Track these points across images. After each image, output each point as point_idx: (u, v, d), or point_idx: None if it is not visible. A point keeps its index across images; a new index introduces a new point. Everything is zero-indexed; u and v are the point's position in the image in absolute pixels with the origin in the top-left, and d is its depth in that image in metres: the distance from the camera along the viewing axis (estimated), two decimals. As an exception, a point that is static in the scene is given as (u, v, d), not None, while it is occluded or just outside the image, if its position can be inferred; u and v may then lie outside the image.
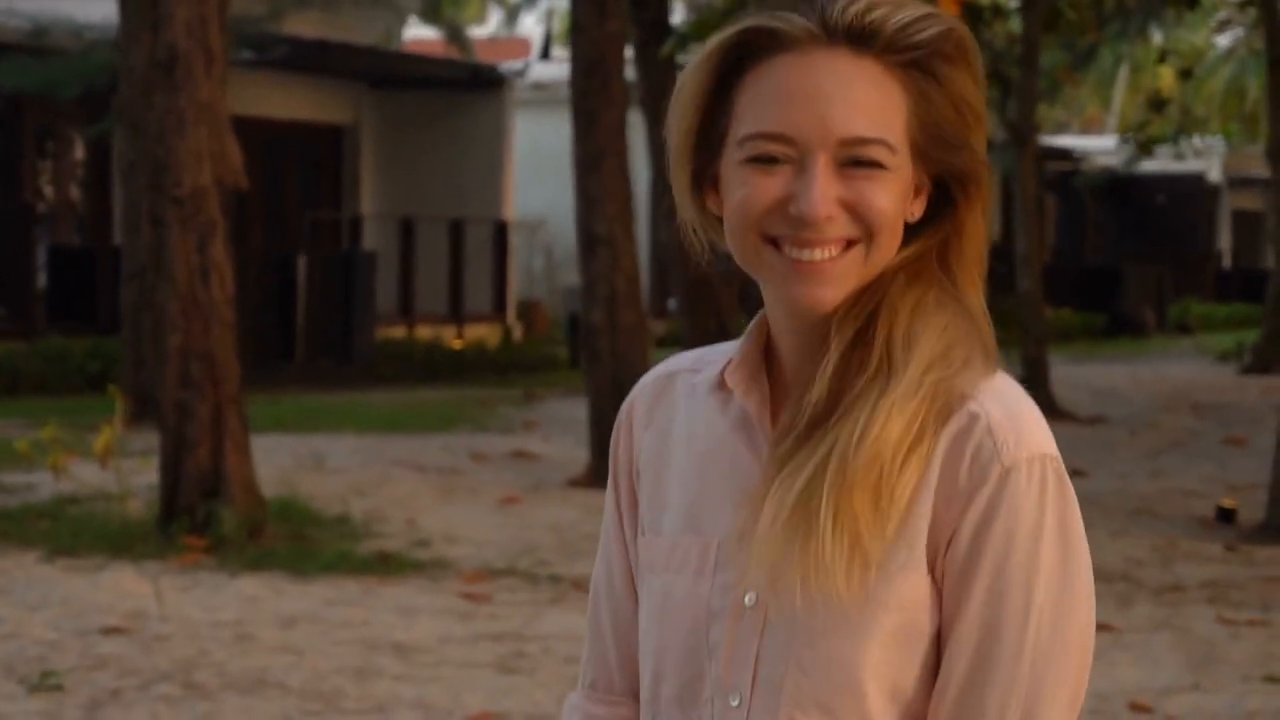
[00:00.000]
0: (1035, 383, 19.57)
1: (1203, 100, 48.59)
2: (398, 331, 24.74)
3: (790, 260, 1.86)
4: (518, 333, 27.27)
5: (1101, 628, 8.71)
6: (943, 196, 1.93)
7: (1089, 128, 54.33)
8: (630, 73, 22.57)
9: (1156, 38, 39.57)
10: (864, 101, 1.85)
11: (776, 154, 1.85)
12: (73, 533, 10.61)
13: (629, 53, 16.87)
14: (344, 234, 25.58)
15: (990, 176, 1.95)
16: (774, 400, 1.95)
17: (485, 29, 51.15)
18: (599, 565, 2.10)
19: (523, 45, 50.81)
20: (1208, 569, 10.51)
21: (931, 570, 1.83)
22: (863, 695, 1.83)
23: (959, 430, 1.83)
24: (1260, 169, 36.00)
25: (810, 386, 1.87)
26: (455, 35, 44.94)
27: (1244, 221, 47.81)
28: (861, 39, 1.86)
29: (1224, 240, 46.61)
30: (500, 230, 26.71)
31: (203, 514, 10.42)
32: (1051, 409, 19.52)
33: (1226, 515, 12.69)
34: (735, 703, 1.88)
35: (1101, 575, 10.20)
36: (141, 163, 14.30)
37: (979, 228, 1.93)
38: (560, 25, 49.91)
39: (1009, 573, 1.82)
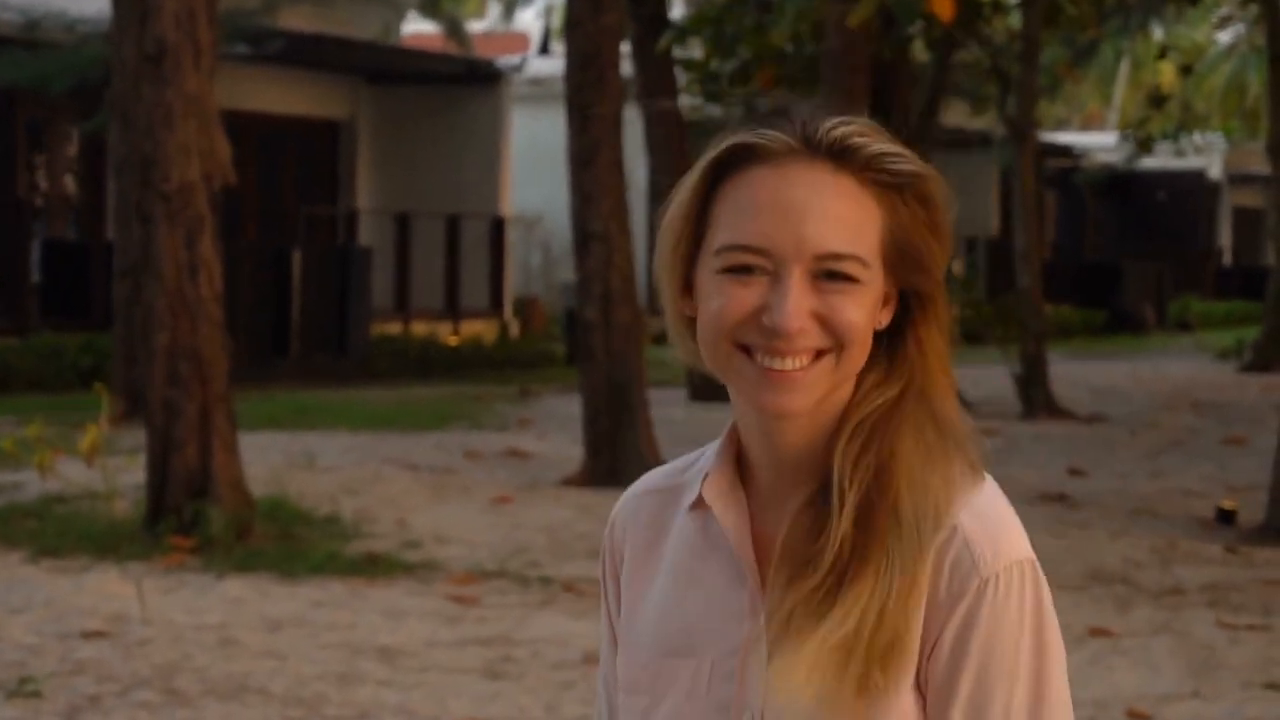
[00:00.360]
0: (1034, 380, 19.44)
1: (1203, 97, 48.46)
2: (393, 328, 24.60)
3: (762, 369, 1.90)
4: (514, 329, 27.13)
5: (1099, 632, 8.58)
6: (903, 307, 1.99)
7: (1090, 124, 54.20)
8: (627, 67, 22.45)
9: (1157, 34, 39.45)
10: (840, 216, 1.90)
11: (752, 264, 1.89)
12: (58, 533, 10.48)
13: (626, 47, 16.75)
14: (340, 229, 25.44)
15: (946, 298, 1.99)
16: (751, 510, 1.99)
17: (484, 24, 51.00)
18: (604, 671, 2.14)
19: (521, 40, 50.65)
20: (1207, 571, 10.38)
21: (916, 681, 1.90)
22: None
23: (940, 544, 1.89)
24: (1261, 166, 35.86)
25: (806, 520, 1.92)
26: (454, 30, 44.83)
27: (1244, 218, 47.68)
28: (841, 155, 1.91)
29: (1224, 237, 46.48)
30: (497, 226, 26.57)
31: (190, 514, 10.29)
32: (1050, 407, 19.39)
33: (1226, 516, 12.59)
34: None
35: (1100, 578, 10.07)
36: (133, 157, 14.16)
37: (941, 343, 1.97)
38: (559, 20, 49.81)
39: (989, 681, 1.88)
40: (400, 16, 34.81)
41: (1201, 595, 9.68)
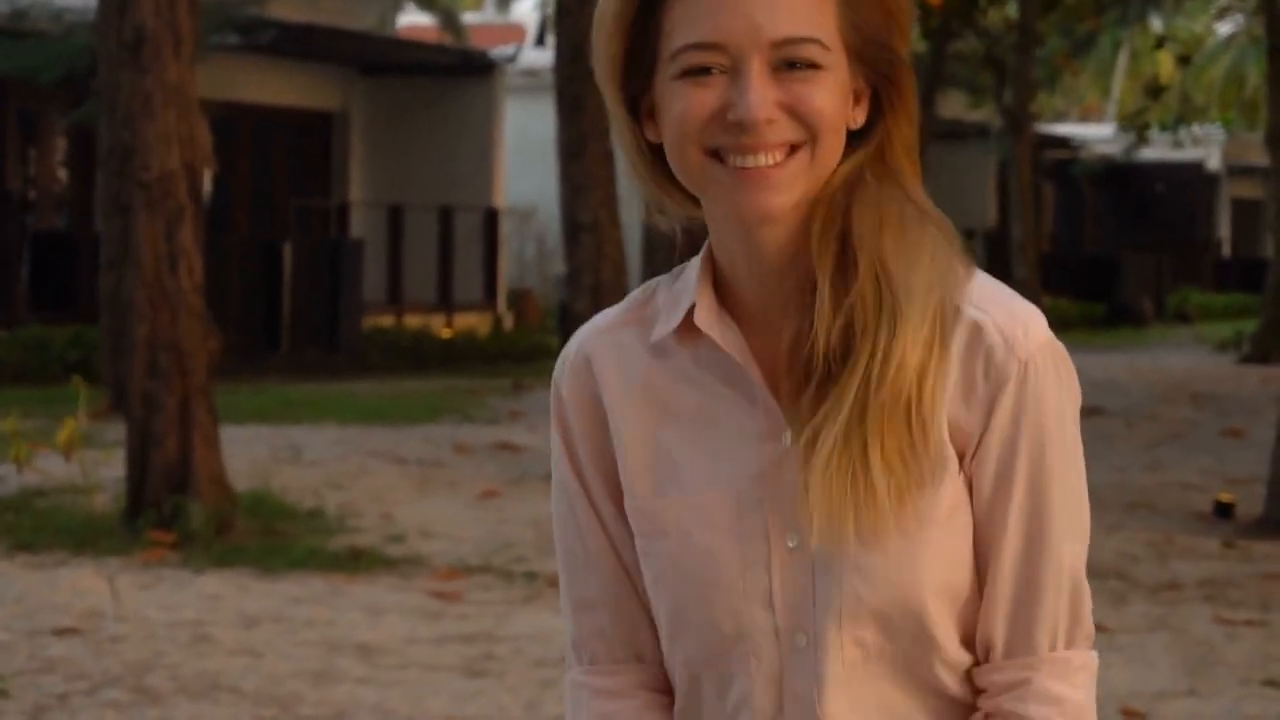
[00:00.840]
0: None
1: (1202, 88, 48.30)
2: (386, 320, 24.43)
3: (734, 169, 1.83)
4: (508, 322, 26.95)
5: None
6: (874, 105, 1.92)
7: (1088, 116, 54.03)
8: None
9: (1156, 25, 39.26)
10: (792, 2, 1.84)
11: (709, 64, 1.84)
12: (34, 527, 10.30)
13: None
14: (332, 222, 25.27)
15: (914, 82, 1.92)
16: (745, 338, 1.93)
17: (480, 15, 50.82)
18: (568, 540, 2.02)
19: (518, 31, 50.46)
20: (1205, 566, 10.21)
21: (960, 471, 1.87)
22: (923, 609, 1.86)
23: (968, 339, 1.86)
24: (1260, 157, 35.68)
25: (806, 326, 1.86)
26: (449, 22, 44.62)
27: (1243, 210, 47.51)
28: None
29: (1223, 229, 46.32)
30: (491, 218, 26.38)
31: (170, 508, 10.11)
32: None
33: (1224, 510, 12.47)
34: (802, 643, 1.89)
35: (1095, 573, 9.87)
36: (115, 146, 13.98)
37: (909, 132, 1.91)
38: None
39: (1047, 460, 1.88)
40: (396, 7, 34.62)
41: (1199, 590, 9.51)
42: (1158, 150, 39.16)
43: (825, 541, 1.85)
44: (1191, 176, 44.75)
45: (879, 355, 1.83)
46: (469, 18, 46.60)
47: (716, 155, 1.84)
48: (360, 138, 26.32)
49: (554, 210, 24.90)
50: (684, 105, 1.84)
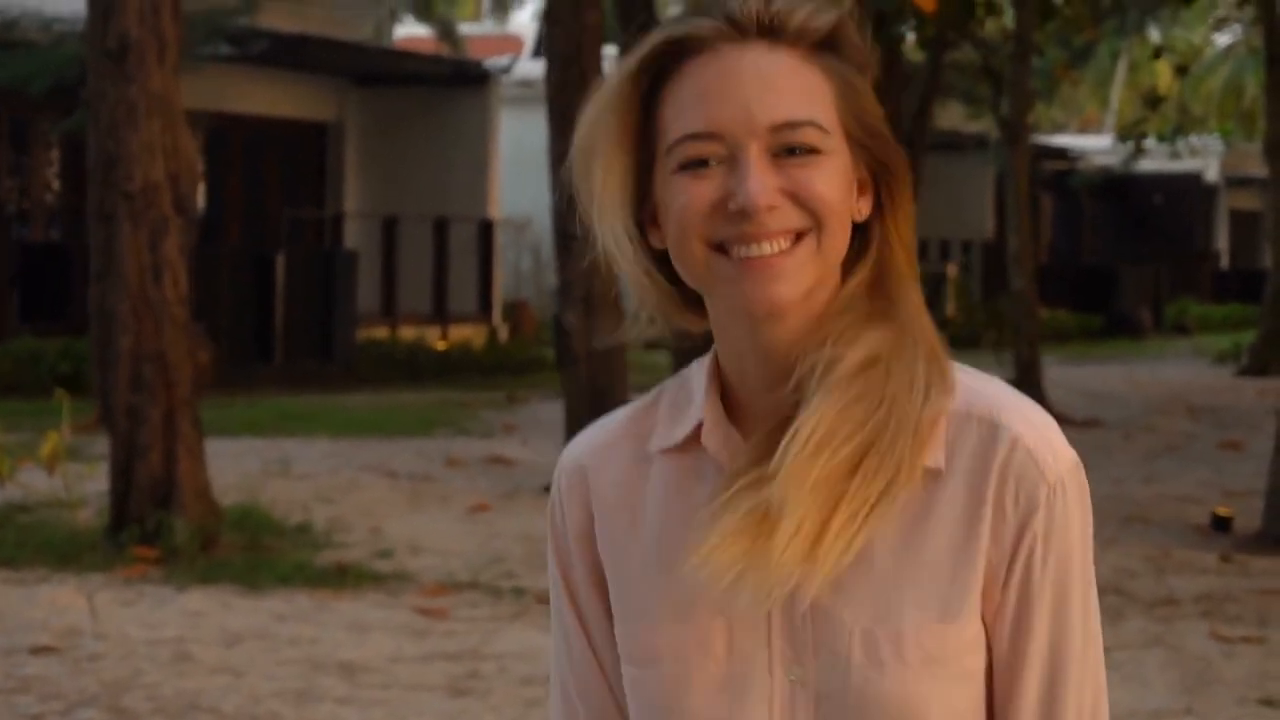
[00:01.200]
0: (1028, 384, 19.12)
1: (1201, 99, 48.22)
2: (381, 332, 24.30)
3: (739, 260, 1.77)
4: (504, 334, 26.82)
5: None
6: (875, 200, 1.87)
7: (1087, 128, 53.96)
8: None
9: (1154, 36, 39.16)
10: (786, 87, 1.79)
11: (706, 155, 1.78)
12: (16, 543, 10.17)
13: (614, 51, 16.43)
14: (326, 232, 25.15)
15: (908, 169, 1.87)
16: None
17: (478, 26, 50.71)
18: (561, 661, 1.93)
19: (515, 42, 50.34)
20: (1202, 581, 10.08)
21: (982, 603, 1.81)
22: None
23: (1000, 463, 1.80)
24: (1258, 168, 35.57)
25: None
26: (447, 33, 44.50)
27: (1242, 221, 47.41)
28: (772, 31, 1.81)
29: (1222, 240, 46.22)
30: (486, 229, 26.26)
31: (153, 523, 9.98)
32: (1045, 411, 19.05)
33: (1222, 523, 12.35)
34: None
35: (1091, 588, 9.76)
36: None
37: (907, 230, 1.86)
38: (552, 22, 49.56)
39: (1069, 587, 1.81)
40: (393, 18, 34.43)
41: (1195, 606, 9.38)
42: (1156, 161, 39.05)
43: (829, 674, 1.79)
44: (1190, 188, 44.64)
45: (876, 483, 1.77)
46: (466, 28, 46.52)
47: (720, 249, 1.78)
48: (355, 148, 26.21)
49: (550, 222, 24.79)
50: (684, 199, 1.78)
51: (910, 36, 20.52)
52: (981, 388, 1.82)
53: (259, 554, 10.12)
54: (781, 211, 1.76)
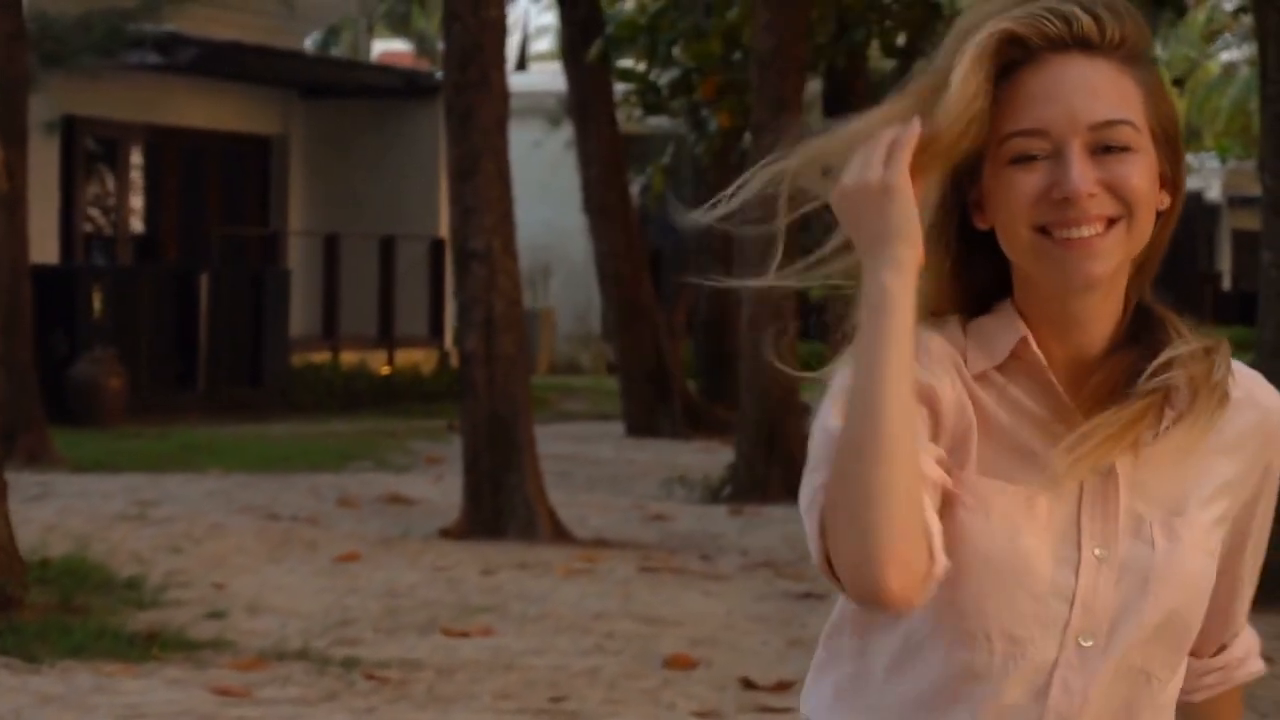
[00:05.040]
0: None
1: (1206, 118, 47.10)
2: (321, 356, 22.99)
3: (1061, 240, 2.10)
4: (455, 358, 25.49)
5: None
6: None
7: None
8: (560, 79, 20.86)
9: (1160, 53, 37.93)
10: (1105, 91, 2.12)
11: (1033, 150, 2.11)
12: None
13: (553, 56, 15.15)
14: (264, 251, 23.86)
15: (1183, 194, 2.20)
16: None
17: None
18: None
19: (498, 58, 49.11)
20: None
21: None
22: (1192, 633, 2.20)
23: (1273, 426, 2.25)
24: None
25: (1115, 375, 2.18)
26: (425, 46, 43.26)
27: (1244, 241, 46.18)
28: (1090, 43, 2.13)
29: (1224, 261, 44.97)
30: (438, 248, 24.91)
31: (-58, 581, 8.68)
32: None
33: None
34: (1089, 644, 2.14)
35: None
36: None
37: (1169, 233, 2.22)
38: (532, 36, 48.34)
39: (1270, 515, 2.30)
40: (370, 31, 33.17)
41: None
42: (1154, 180, 37.86)
43: (1130, 553, 2.16)
44: (1191, 207, 43.49)
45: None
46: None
47: (1043, 231, 2.11)
48: (300, 163, 24.93)
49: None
50: (1015, 189, 2.11)
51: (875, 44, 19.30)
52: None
53: (66, 617, 8.80)
54: (1099, 199, 2.11)
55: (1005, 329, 2.15)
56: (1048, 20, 2.10)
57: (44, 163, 21.12)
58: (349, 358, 23.27)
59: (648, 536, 12.37)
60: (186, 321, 20.32)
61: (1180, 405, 2.16)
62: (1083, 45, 2.11)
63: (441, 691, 7.76)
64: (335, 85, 24.84)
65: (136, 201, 23.74)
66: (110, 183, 23.49)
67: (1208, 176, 41.91)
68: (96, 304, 19.37)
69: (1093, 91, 2.09)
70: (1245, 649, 2.34)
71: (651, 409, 19.65)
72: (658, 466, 16.34)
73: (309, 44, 29.87)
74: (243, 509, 12.48)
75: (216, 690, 7.56)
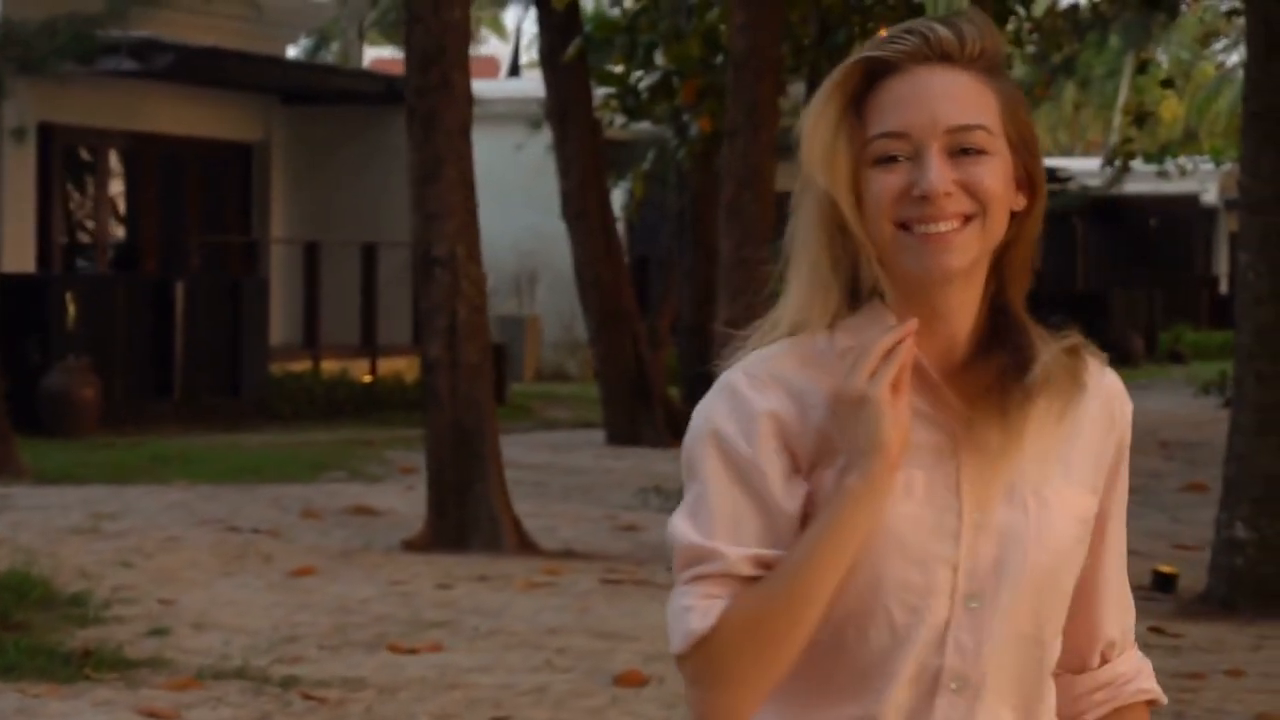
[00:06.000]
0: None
1: (1207, 123, 46.84)
2: (302, 365, 22.73)
3: (920, 235, 2.29)
4: (438, 366, 25.23)
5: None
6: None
7: (1091, 150, 52.72)
8: (538, 82, 20.60)
9: (1161, 57, 37.70)
10: (964, 98, 2.31)
11: (896, 152, 2.30)
12: None
13: (530, 59, 14.87)
14: (242, 259, 23.60)
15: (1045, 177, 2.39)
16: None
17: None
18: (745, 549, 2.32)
19: (491, 64, 48.94)
20: (1118, 662, 8.48)
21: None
22: (1067, 594, 2.38)
23: (1114, 393, 2.47)
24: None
25: (978, 357, 2.37)
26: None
27: (1242, 244, 45.84)
28: (949, 56, 2.32)
29: (1221, 264, 44.65)
30: (421, 255, 24.66)
31: (-126, 599, 8.43)
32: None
33: (1165, 582, 11.09)
34: (975, 605, 2.31)
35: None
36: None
37: (1034, 231, 2.38)
38: (526, 43, 48.06)
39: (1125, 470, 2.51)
40: (361, 39, 32.96)
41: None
42: (1151, 183, 37.57)
43: (1008, 518, 2.35)
44: (1187, 210, 43.21)
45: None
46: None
47: (904, 226, 2.30)
48: (282, 170, 24.68)
49: (492, 249, 23.25)
50: (879, 187, 2.30)
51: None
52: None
53: (2, 634, 8.55)
54: (955, 198, 2.29)
55: (873, 323, 2.31)
56: (906, 39, 2.30)
57: (20, 170, 20.90)
58: (330, 366, 23.01)
59: (617, 547, 12.10)
60: (163, 330, 20.06)
61: (1050, 395, 2.35)
62: (944, 58, 2.30)
63: (380, 712, 7.51)
64: (317, 91, 24.57)
65: (115, 209, 23.50)
66: (89, 190, 23.26)
67: (1204, 180, 41.50)
68: (71, 312, 19.11)
69: (952, 98, 2.28)
70: (1133, 668, 2.48)
71: (632, 417, 19.37)
72: (635, 475, 16.06)
73: (298, 51, 29.62)
74: (202, 521, 12.22)
75: (144, 712, 7.31)
